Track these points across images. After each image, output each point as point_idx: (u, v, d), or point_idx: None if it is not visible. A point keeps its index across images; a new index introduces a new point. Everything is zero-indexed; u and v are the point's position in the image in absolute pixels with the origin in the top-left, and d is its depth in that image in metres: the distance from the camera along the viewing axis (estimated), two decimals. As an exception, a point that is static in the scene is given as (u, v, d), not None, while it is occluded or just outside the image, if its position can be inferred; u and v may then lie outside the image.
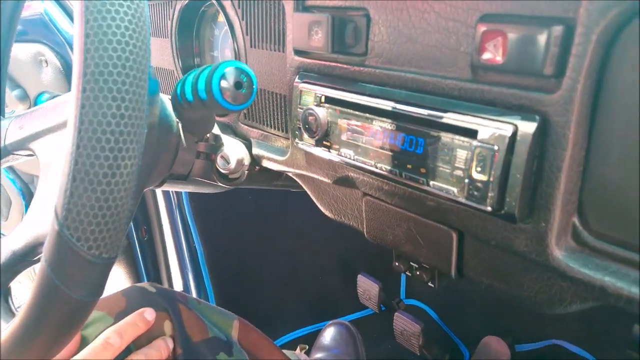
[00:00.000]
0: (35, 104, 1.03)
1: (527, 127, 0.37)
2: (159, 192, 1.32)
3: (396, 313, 1.19)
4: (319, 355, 1.24)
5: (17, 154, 0.71)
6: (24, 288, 1.48)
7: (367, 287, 1.30)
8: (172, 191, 1.30)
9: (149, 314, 0.64)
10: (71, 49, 1.12)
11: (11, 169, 1.43)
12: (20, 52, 1.17)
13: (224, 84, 0.48)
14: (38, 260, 0.61)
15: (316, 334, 1.36)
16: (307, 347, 1.29)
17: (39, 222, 0.60)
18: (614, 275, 0.37)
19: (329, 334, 1.27)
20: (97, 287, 0.43)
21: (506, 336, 1.23)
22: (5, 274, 0.60)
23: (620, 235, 0.37)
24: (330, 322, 1.32)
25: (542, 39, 0.36)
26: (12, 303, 1.46)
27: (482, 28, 0.39)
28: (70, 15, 1.11)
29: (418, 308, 1.50)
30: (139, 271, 1.38)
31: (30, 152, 0.69)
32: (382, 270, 1.41)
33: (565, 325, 1.21)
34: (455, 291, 1.42)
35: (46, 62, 1.13)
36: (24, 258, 0.61)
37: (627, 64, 0.33)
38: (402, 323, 1.18)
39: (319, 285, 1.49)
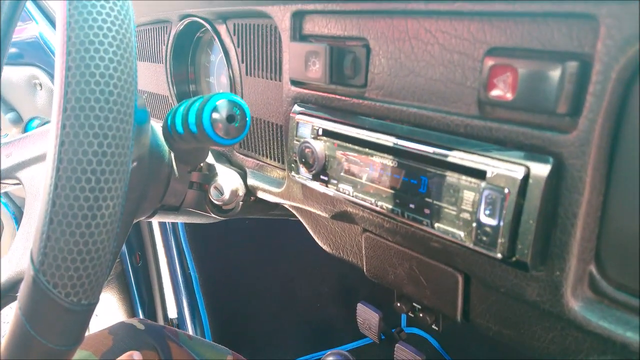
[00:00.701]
0: (26, 130, 1.01)
1: (541, 170, 0.34)
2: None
3: (397, 344, 1.15)
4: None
5: (4, 182, 0.69)
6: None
7: (367, 317, 1.26)
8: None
9: (137, 356, 0.61)
10: (66, 72, 1.10)
11: (5, 193, 1.41)
12: (15, 75, 1.15)
13: (215, 116, 0.45)
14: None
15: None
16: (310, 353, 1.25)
17: (21, 256, 0.57)
18: (637, 330, 0.34)
19: (327, 365, 1.23)
20: (77, 335, 0.40)
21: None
22: None
23: (642, 286, 0.34)
24: (329, 351, 1.28)
25: (555, 75, 0.33)
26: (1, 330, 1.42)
27: (490, 62, 0.36)
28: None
29: (419, 337, 1.46)
30: (132, 298, 1.35)
31: (17, 181, 0.67)
32: (382, 299, 1.37)
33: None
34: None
35: (40, 85, 1.10)
36: (7, 292, 0.58)
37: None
38: (404, 355, 1.14)
39: (317, 313, 1.45)
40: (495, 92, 0.36)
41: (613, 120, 0.32)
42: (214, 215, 0.69)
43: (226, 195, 0.65)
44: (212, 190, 0.65)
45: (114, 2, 0.36)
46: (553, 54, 0.34)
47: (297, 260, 1.40)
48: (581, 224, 0.34)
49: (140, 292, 1.35)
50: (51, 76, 1.10)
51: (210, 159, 0.69)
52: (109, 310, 1.30)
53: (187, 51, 0.76)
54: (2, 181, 0.67)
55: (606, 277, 0.35)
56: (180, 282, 1.31)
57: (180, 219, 0.74)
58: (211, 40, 0.74)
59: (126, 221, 0.60)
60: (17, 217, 1.40)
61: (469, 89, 0.39)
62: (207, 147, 0.62)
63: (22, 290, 0.38)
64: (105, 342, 0.63)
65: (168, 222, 1.28)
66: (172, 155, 0.62)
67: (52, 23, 1.10)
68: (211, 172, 0.67)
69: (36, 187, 0.63)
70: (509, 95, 0.35)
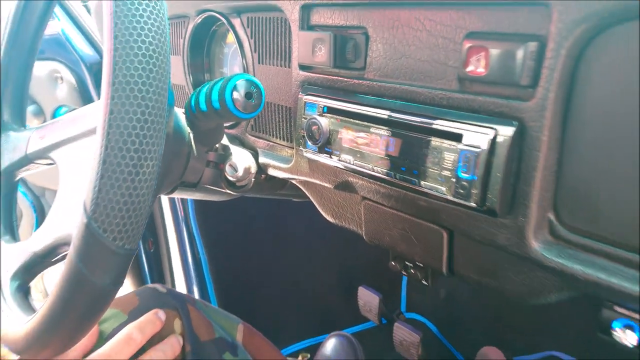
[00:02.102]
0: (54, 116, 1.08)
1: (506, 132, 0.41)
2: (165, 205, 1.37)
3: (396, 323, 1.22)
4: (319, 367, 1.27)
5: (38, 163, 0.75)
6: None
7: (368, 299, 1.33)
8: (178, 205, 1.34)
9: (161, 314, 0.68)
10: (86, 66, 1.17)
11: (23, 182, 1.48)
12: (37, 69, 1.22)
13: (235, 95, 0.52)
14: (57, 262, 0.65)
15: (318, 346, 1.38)
16: (309, 356, 1.32)
17: (59, 225, 0.64)
18: (584, 263, 0.41)
19: (330, 345, 1.30)
20: (119, 276, 0.47)
21: (504, 348, 1.25)
22: (25, 274, 0.64)
23: (590, 228, 0.41)
24: (332, 333, 1.35)
25: (519, 53, 0.40)
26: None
27: (468, 44, 0.44)
28: (85, 35, 1.17)
29: (418, 321, 1.53)
30: (145, 282, 1.42)
31: (51, 161, 0.74)
32: (383, 284, 1.45)
33: (561, 337, 1.24)
34: (455, 304, 1.45)
35: (61, 78, 1.18)
36: (44, 259, 0.65)
37: (593, 75, 0.38)
38: (402, 333, 1.21)
39: (320, 298, 1.52)
40: (471, 68, 0.43)
41: (565, 89, 0.40)
42: (228, 192, 0.76)
43: (240, 172, 0.72)
44: (227, 168, 0.72)
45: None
46: (517, 35, 0.41)
47: (302, 248, 1.47)
48: (540, 176, 0.41)
49: (153, 277, 1.43)
50: (72, 70, 1.18)
51: (224, 140, 0.76)
52: (124, 292, 1.37)
53: (203, 44, 0.84)
54: (36, 161, 0.75)
55: (562, 222, 0.43)
56: (191, 267, 1.39)
57: (197, 196, 0.81)
58: (225, 33, 0.82)
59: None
60: (35, 205, 1.47)
61: (451, 68, 0.46)
62: (223, 126, 0.69)
63: (76, 236, 0.45)
64: (132, 302, 0.70)
65: (180, 211, 1.35)
66: (191, 136, 0.69)
67: (73, 20, 1.18)
68: (226, 152, 0.74)
69: (69, 165, 0.70)
70: (482, 71, 0.43)
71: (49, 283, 1.50)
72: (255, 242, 1.42)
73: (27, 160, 0.74)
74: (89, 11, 1.19)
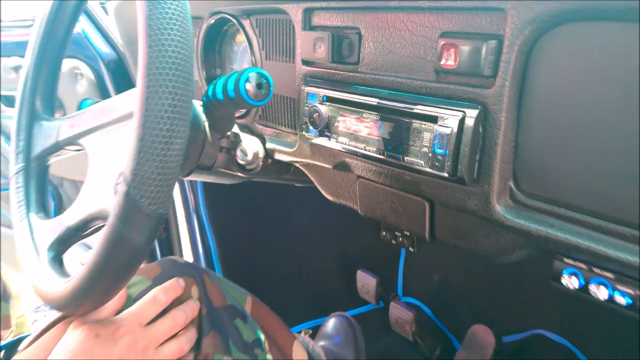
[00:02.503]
0: (79, 108, 1.17)
1: (472, 114, 0.51)
2: (177, 195, 1.46)
3: (392, 303, 1.32)
4: (322, 342, 1.36)
5: (68, 149, 0.84)
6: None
7: (366, 282, 1.43)
8: (189, 194, 1.44)
9: (181, 281, 0.77)
10: (104, 63, 1.26)
11: (43, 173, 1.57)
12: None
13: (248, 85, 0.61)
14: (87, 235, 0.74)
15: (318, 327, 1.47)
16: (311, 332, 1.41)
17: (90, 202, 0.73)
18: (537, 222, 0.50)
19: (330, 324, 1.39)
20: (151, 236, 0.56)
21: (494, 328, 1.34)
22: (60, 245, 0.73)
23: (542, 193, 0.50)
24: (332, 314, 1.44)
25: (482, 49, 0.50)
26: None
27: (442, 42, 0.53)
28: (103, 34, 1.26)
29: (413, 304, 1.62)
30: (156, 266, 1.51)
31: (80, 147, 0.82)
32: (380, 269, 1.54)
33: (546, 315, 1.33)
34: (447, 288, 1.54)
35: (81, 75, 1.27)
36: (76, 232, 0.74)
37: (541, 66, 0.47)
38: (397, 312, 1.30)
39: (321, 282, 1.61)
40: (444, 62, 0.53)
41: (518, 78, 0.49)
42: (239, 175, 0.86)
43: (249, 157, 0.81)
44: (238, 152, 0.81)
45: (177, 1, 0.53)
46: (481, 35, 0.50)
47: (304, 236, 1.57)
48: (500, 151, 0.51)
49: (164, 261, 1.52)
50: (91, 67, 1.27)
51: (235, 129, 0.85)
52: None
53: (215, 42, 0.93)
54: (66, 147, 0.84)
55: (520, 189, 0.52)
56: (200, 252, 1.48)
57: (210, 179, 0.90)
58: (235, 33, 0.91)
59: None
60: (54, 194, 1.57)
61: (429, 62, 0.55)
62: (235, 115, 0.78)
63: (117, 202, 0.54)
64: (155, 270, 0.79)
65: (190, 201, 1.44)
66: (206, 124, 0.78)
67: (93, 20, 1.27)
68: (237, 139, 0.83)
69: (97, 150, 0.79)
70: (453, 64, 0.52)
71: (69, 265, 1.60)
72: (260, 230, 1.51)
73: (58, 146, 0.83)
74: (106, 12, 1.28)
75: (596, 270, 0.49)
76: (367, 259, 1.62)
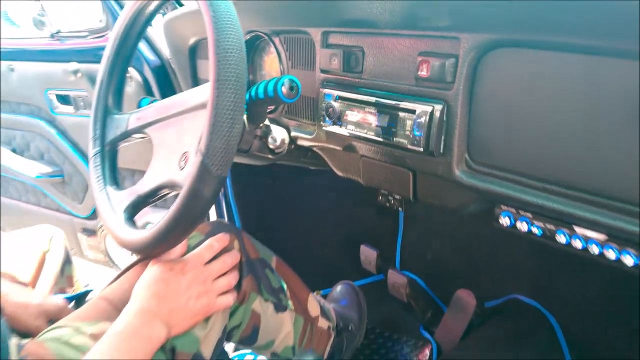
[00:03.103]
0: (139, 105, 1.40)
1: (438, 108, 0.75)
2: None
3: (389, 270, 1.56)
4: (330, 305, 1.59)
5: (135, 137, 1.07)
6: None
7: (368, 254, 1.67)
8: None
9: (227, 236, 1.00)
10: (150, 68, 1.51)
11: (88, 159, 1.81)
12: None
13: (283, 88, 0.85)
14: (154, 201, 0.97)
15: (326, 296, 1.71)
16: (322, 293, 1.65)
17: (158, 175, 0.94)
18: (484, 181, 0.75)
19: (338, 290, 1.62)
20: (216, 193, 0.79)
21: (478, 295, 1.57)
22: (133, 209, 0.96)
23: (487, 161, 0.74)
24: (339, 282, 1.68)
25: (446, 64, 0.74)
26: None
27: (419, 59, 0.77)
28: (149, 43, 1.51)
29: (409, 278, 1.85)
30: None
31: (144, 135, 1.05)
32: (381, 245, 1.77)
33: (522, 282, 1.57)
34: (438, 263, 1.78)
35: (131, 78, 1.52)
36: (146, 199, 0.95)
37: (483, 75, 0.72)
38: (393, 277, 1.54)
39: (329, 258, 1.85)
40: (420, 73, 0.77)
41: (469, 83, 0.73)
42: (269, 157, 1.10)
43: (278, 142, 1.05)
44: (269, 139, 1.05)
45: (234, 27, 0.76)
46: (444, 54, 0.75)
47: (315, 214, 1.80)
48: (457, 132, 0.75)
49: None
50: (139, 72, 1.51)
51: (266, 121, 1.09)
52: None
53: (249, 54, 1.17)
54: (134, 135, 1.07)
55: (472, 159, 0.76)
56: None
57: (246, 160, 1.14)
58: (264, 47, 1.15)
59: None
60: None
61: (410, 72, 0.80)
62: (266, 110, 1.01)
63: (193, 168, 0.77)
64: (205, 228, 1.03)
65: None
66: (245, 117, 1.02)
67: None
68: (268, 129, 1.07)
69: (160, 137, 1.01)
70: (425, 74, 0.76)
71: (110, 245, 1.84)
72: (278, 210, 1.75)
73: (127, 134, 1.05)
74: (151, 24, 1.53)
75: (522, 212, 0.74)
76: (370, 236, 1.86)
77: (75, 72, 1.56)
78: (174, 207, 0.80)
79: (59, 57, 1.65)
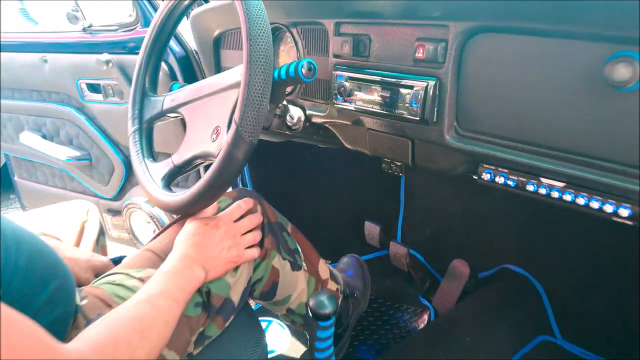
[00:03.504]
0: (171, 89, 1.54)
1: (432, 83, 0.91)
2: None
3: (391, 242, 1.72)
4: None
5: (169, 116, 1.22)
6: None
7: (371, 230, 1.83)
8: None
9: (251, 200, 1.16)
10: (175, 58, 1.66)
11: (115, 143, 1.96)
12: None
13: (303, 70, 1.01)
14: (187, 172, 1.12)
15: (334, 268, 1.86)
16: (330, 262, 1.80)
17: (193, 147, 1.09)
18: (470, 144, 0.90)
19: (344, 261, 1.77)
20: (247, 156, 0.94)
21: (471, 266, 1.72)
22: (169, 178, 1.11)
23: (472, 127, 0.90)
24: (345, 255, 1.83)
25: (438, 48, 0.90)
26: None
27: (416, 43, 0.93)
28: (175, 36, 1.66)
29: (409, 253, 2.01)
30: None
31: (178, 114, 1.20)
32: (384, 221, 1.93)
33: (511, 253, 1.72)
34: (435, 238, 1.93)
35: (158, 67, 1.67)
36: (180, 169, 1.11)
37: (469, 56, 0.87)
38: (395, 248, 1.70)
39: (336, 233, 2.00)
40: (417, 54, 0.93)
41: (457, 62, 0.89)
42: (286, 133, 1.26)
43: (295, 119, 1.22)
44: (288, 117, 1.21)
45: (263, 18, 0.92)
46: (437, 39, 0.90)
47: (322, 191, 1.95)
48: (448, 104, 0.91)
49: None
50: (165, 61, 1.67)
51: (284, 102, 1.25)
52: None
53: (268, 43, 1.33)
54: (168, 114, 1.22)
55: (460, 126, 0.92)
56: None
57: (267, 137, 1.29)
58: (282, 36, 1.31)
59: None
60: (126, 163, 1.97)
61: (410, 54, 0.96)
62: (285, 91, 1.17)
63: (229, 136, 0.93)
64: (232, 193, 1.18)
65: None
66: (266, 98, 1.18)
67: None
68: (285, 108, 1.23)
69: (192, 116, 1.17)
70: (422, 56, 0.92)
71: (134, 223, 1.99)
72: (290, 187, 1.90)
73: (162, 114, 1.20)
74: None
75: (500, 169, 0.90)
76: (373, 212, 2.01)
77: (107, 62, 1.71)
78: (211, 169, 0.95)
79: (91, 49, 1.80)
